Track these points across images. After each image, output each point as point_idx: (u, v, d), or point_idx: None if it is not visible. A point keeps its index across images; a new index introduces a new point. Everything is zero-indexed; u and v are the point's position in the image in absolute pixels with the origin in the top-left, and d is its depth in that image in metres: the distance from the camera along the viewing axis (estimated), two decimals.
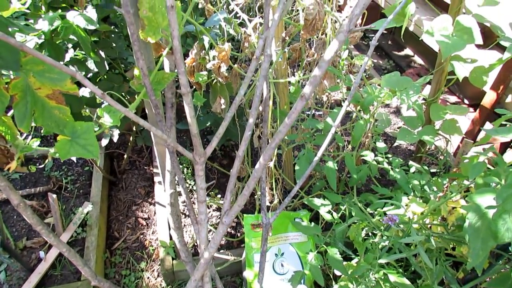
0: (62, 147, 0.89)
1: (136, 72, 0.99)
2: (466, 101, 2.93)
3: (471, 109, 2.89)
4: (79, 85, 1.21)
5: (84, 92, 1.52)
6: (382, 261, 1.16)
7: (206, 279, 1.13)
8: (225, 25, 1.17)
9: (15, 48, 0.75)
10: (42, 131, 0.90)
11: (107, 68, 1.34)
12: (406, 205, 1.34)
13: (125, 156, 2.25)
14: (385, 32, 4.00)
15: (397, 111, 2.87)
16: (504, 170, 0.86)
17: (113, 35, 1.45)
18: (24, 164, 0.94)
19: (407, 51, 3.62)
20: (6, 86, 0.79)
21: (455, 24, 1.44)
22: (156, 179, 2.19)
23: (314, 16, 1.10)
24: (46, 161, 1.00)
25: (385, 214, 1.34)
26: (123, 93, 1.58)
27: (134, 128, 2.14)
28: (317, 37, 1.29)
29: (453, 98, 2.97)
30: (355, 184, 1.55)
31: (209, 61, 1.21)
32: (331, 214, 1.44)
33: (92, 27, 1.03)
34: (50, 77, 0.81)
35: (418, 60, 3.48)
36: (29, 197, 2.06)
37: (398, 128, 2.75)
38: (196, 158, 0.94)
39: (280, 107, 1.41)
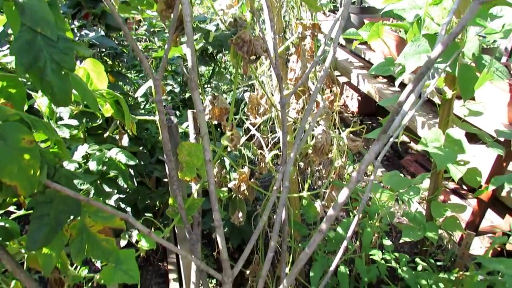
0: (107, 274, 1.00)
1: (170, 201, 1.13)
2: (464, 187, 3.06)
3: (470, 195, 3.01)
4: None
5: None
6: None
7: None
8: (244, 149, 1.34)
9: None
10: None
11: (136, 184, 1.49)
12: None
13: (141, 254, 2.33)
14: (380, 119, 4.26)
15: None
16: None
17: (139, 152, 1.63)
18: None
19: (403, 137, 3.84)
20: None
21: (446, 136, 1.61)
22: (170, 276, 2.24)
23: (322, 143, 1.28)
24: (89, 284, 1.10)
25: None
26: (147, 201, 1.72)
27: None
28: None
29: (452, 185, 3.10)
30: (365, 285, 1.63)
31: (230, 180, 1.37)
32: None
33: (132, 163, 1.20)
34: (103, 216, 0.95)
35: (414, 146, 3.68)
36: None
37: (402, 215, 2.85)
38: (225, 279, 1.05)
39: (292, 214, 1.53)
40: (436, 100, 2.70)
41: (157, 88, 0.88)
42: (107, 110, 1.10)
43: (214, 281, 2.23)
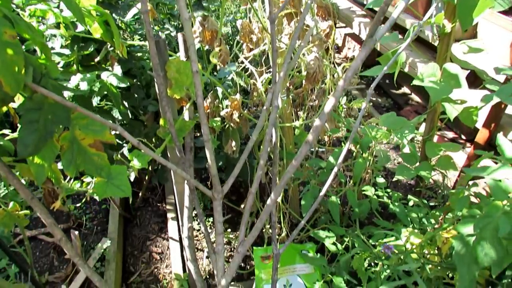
0: (100, 187, 1.03)
1: (161, 122, 1.14)
2: (463, 137, 3.06)
3: (468, 144, 3.02)
4: None
5: None
6: None
7: None
8: (236, 78, 1.34)
9: (67, 107, 0.90)
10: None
11: (130, 117, 1.50)
12: (406, 236, 1.45)
13: (140, 194, 2.38)
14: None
15: (397, 147, 3.00)
16: (485, 203, 0.99)
17: (133, 86, 1.62)
18: (64, 202, 1.07)
19: (405, 89, 3.80)
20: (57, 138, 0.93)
21: (442, 71, 1.59)
22: (169, 215, 2.31)
23: (314, 69, 1.27)
24: (83, 200, 1.14)
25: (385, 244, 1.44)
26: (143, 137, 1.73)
27: (150, 168, 2.29)
28: (318, 86, 1.46)
29: (450, 134, 3.10)
30: (357, 218, 1.66)
31: (222, 109, 1.37)
32: (336, 246, 1.55)
33: (123, 85, 1.20)
34: (93, 129, 0.96)
35: (415, 98, 3.65)
36: (51, 234, 2.17)
37: (398, 163, 2.87)
38: (214, 195, 1.07)
39: (286, 147, 1.55)
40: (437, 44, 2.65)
41: None
42: (96, 29, 1.09)
43: (210, 219, 2.29)
